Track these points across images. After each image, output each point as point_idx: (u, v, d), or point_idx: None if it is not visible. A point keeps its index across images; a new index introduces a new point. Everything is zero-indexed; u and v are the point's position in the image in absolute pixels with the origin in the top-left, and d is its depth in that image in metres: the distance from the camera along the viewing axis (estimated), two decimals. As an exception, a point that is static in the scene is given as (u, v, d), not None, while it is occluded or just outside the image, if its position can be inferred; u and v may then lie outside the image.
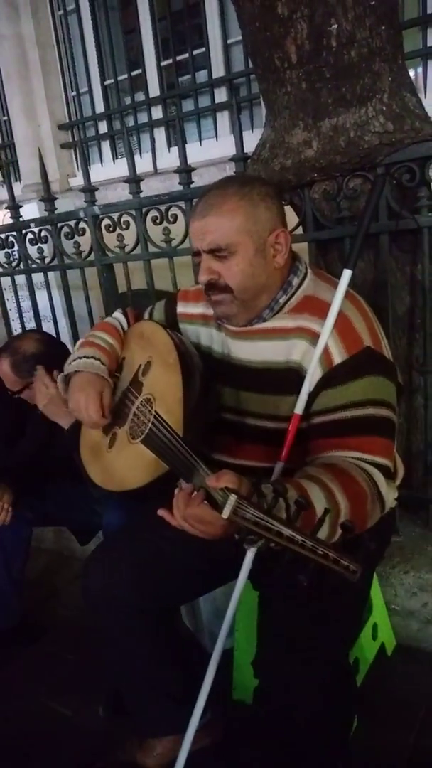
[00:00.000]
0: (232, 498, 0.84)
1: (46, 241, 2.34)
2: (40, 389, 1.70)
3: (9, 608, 1.93)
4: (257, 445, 1.26)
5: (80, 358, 1.38)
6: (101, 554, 1.35)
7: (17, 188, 4.04)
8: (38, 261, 2.39)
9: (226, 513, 0.84)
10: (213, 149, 3.46)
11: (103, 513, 1.70)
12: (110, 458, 1.31)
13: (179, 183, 1.91)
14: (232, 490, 0.86)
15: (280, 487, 0.84)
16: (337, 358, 1.12)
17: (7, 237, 2.49)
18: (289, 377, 1.17)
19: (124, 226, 2.05)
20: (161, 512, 1.04)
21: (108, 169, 4.07)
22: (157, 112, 3.79)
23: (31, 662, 1.90)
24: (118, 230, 2.06)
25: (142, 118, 3.88)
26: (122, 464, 1.26)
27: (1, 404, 2.02)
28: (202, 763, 1.35)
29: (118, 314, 1.53)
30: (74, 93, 4.21)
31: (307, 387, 1.14)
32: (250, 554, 1.15)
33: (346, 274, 1.18)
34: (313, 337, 1.14)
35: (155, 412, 1.19)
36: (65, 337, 2.40)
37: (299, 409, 1.16)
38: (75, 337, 2.40)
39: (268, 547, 0.82)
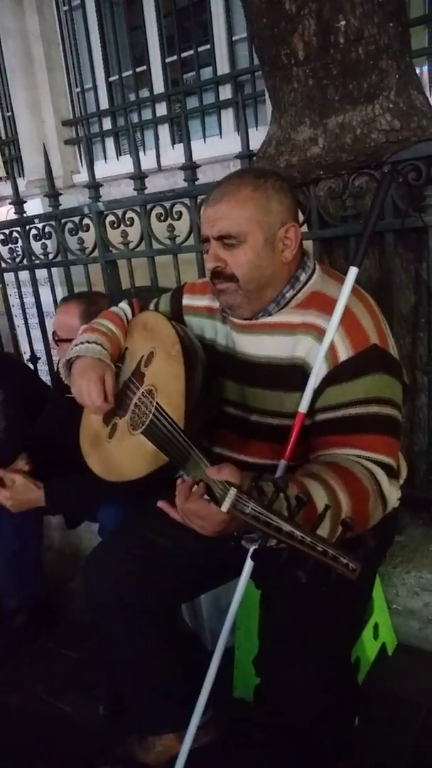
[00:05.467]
0: (232, 491, 0.84)
1: (49, 237, 2.33)
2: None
3: (30, 583, 1.96)
4: (262, 442, 1.25)
5: (81, 343, 1.38)
6: (102, 552, 1.34)
7: (21, 184, 4.03)
8: (42, 257, 2.39)
9: (225, 506, 0.84)
10: (217, 146, 3.45)
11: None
12: (110, 448, 1.31)
13: (184, 180, 1.90)
14: (232, 484, 0.85)
15: (281, 483, 0.83)
16: (343, 354, 1.11)
17: (11, 233, 2.49)
18: (293, 373, 1.17)
19: (128, 223, 2.04)
20: (161, 504, 1.03)
21: (112, 165, 4.07)
22: (162, 109, 3.78)
23: (32, 659, 1.90)
24: (122, 227, 2.06)
25: (147, 114, 3.87)
26: (122, 455, 1.26)
27: (28, 378, 2.05)
28: (202, 761, 1.35)
29: (123, 304, 1.53)
30: (78, 89, 4.20)
31: (312, 383, 1.13)
32: (250, 552, 1.14)
33: (352, 271, 1.17)
34: (320, 333, 1.14)
35: (156, 403, 1.19)
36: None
37: (303, 407, 1.15)
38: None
39: (267, 545, 0.82)
